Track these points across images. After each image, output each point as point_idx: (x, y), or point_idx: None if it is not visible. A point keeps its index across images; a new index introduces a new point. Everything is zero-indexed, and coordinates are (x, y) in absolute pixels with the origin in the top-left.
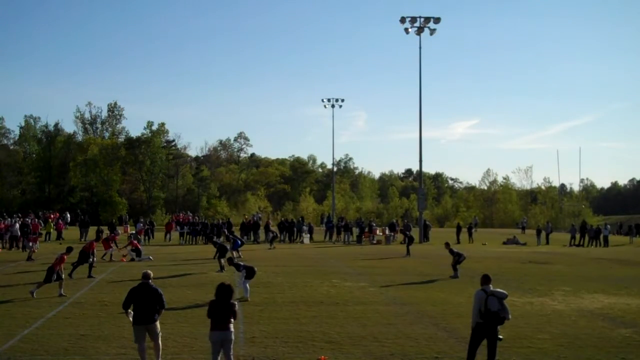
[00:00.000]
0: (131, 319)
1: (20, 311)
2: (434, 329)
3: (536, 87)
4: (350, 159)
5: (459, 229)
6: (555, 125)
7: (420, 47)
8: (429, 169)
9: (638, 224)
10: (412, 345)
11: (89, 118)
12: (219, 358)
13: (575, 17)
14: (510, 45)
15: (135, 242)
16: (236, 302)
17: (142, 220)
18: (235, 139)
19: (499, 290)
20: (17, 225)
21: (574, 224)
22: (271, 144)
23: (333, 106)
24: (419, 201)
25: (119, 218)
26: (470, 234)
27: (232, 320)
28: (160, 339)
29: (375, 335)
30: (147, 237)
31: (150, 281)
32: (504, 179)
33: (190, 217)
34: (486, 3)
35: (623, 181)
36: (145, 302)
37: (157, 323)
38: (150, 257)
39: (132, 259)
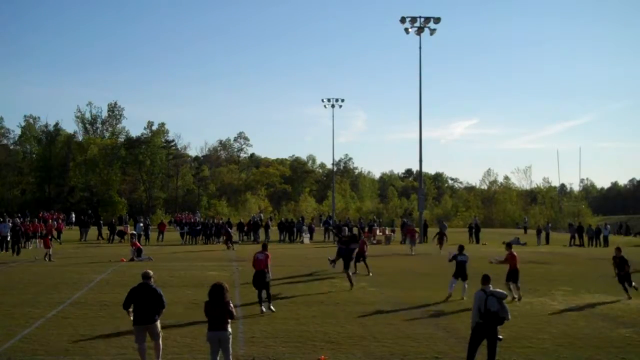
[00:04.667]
0: (132, 318)
1: (20, 311)
2: (434, 329)
3: (536, 87)
4: (350, 159)
5: (471, 229)
6: (555, 125)
7: (420, 47)
8: (429, 169)
9: None
10: (412, 345)
11: (89, 118)
12: (218, 358)
13: (575, 17)
14: (510, 45)
15: (137, 242)
16: (230, 301)
17: (141, 220)
18: (235, 139)
19: (498, 290)
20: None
21: (572, 224)
22: (271, 144)
23: (333, 106)
24: (419, 201)
25: (119, 218)
26: (470, 234)
27: (229, 320)
28: (160, 339)
29: (375, 335)
30: (145, 238)
31: (151, 281)
32: (505, 178)
33: (193, 217)
34: (486, 3)
35: (623, 181)
36: (145, 302)
37: (158, 323)
38: (151, 258)
39: (132, 259)
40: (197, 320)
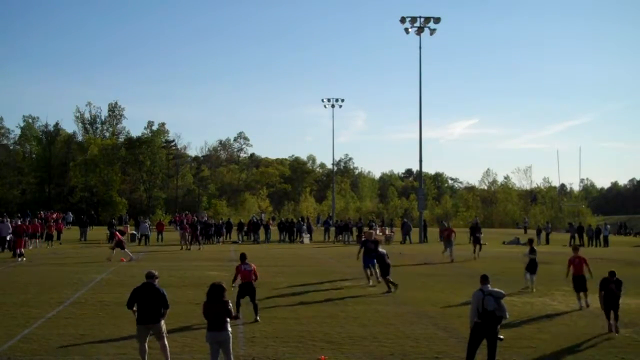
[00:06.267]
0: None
1: (20, 311)
2: (434, 329)
3: (536, 87)
4: (350, 159)
5: (473, 229)
6: (555, 125)
7: (420, 47)
8: (429, 169)
9: None
10: (412, 345)
11: (89, 118)
12: (218, 358)
13: (575, 17)
14: (510, 45)
15: (119, 234)
16: (229, 301)
17: (141, 219)
18: (235, 139)
19: (496, 289)
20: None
21: (572, 224)
22: (271, 144)
23: (333, 106)
24: (419, 201)
25: (118, 218)
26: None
27: (229, 319)
28: (166, 339)
29: (375, 335)
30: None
31: (155, 281)
32: (505, 178)
33: (198, 217)
34: (486, 3)
35: (623, 181)
36: (148, 302)
37: (162, 323)
38: (134, 258)
39: (113, 249)
40: (197, 321)
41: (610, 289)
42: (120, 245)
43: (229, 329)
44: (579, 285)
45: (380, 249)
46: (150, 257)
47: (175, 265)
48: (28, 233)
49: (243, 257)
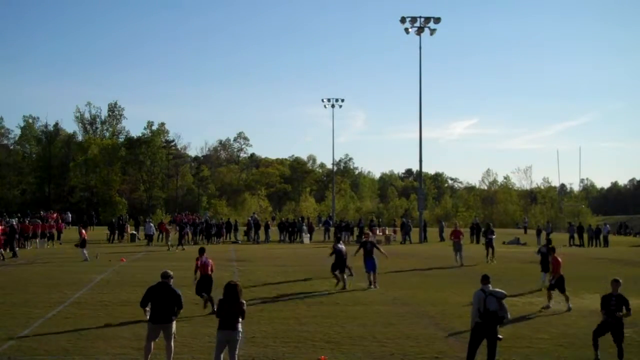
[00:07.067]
0: (148, 317)
1: (20, 311)
2: (434, 329)
3: (536, 87)
4: (350, 159)
5: (473, 229)
6: (555, 125)
7: (420, 47)
8: (429, 169)
9: None
10: (412, 345)
11: (89, 118)
12: (222, 357)
13: (575, 17)
14: (510, 45)
15: (84, 231)
16: (244, 302)
17: (142, 219)
18: (235, 139)
19: (497, 290)
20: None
21: (572, 223)
22: (271, 144)
23: (333, 106)
24: (419, 201)
25: (118, 218)
26: (472, 234)
27: (241, 319)
28: (173, 340)
29: (375, 335)
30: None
31: (170, 281)
32: (505, 178)
33: (196, 218)
34: (486, 3)
35: (623, 181)
36: (163, 302)
37: (174, 323)
38: (88, 259)
39: (77, 245)
40: (197, 321)
41: (612, 313)
42: (83, 243)
43: (240, 329)
44: (557, 284)
45: (341, 245)
46: (150, 256)
47: (175, 265)
48: (26, 234)
49: (201, 250)
